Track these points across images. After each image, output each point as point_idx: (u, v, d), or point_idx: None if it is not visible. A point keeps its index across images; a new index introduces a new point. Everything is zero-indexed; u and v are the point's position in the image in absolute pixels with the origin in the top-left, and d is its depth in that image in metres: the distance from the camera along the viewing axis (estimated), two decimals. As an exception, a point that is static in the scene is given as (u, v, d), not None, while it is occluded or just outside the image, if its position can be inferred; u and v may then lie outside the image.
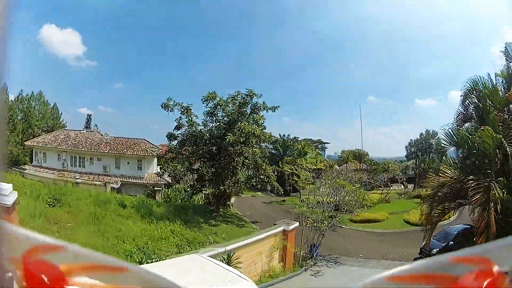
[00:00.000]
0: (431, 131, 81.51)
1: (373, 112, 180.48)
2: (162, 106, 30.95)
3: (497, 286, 0.92)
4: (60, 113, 48.66)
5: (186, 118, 31.81)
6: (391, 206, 40.39)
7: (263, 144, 33.63)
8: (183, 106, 31.34)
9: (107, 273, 1.02)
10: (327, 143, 75.26)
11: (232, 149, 29.75)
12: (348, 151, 70.15)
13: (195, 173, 33.03)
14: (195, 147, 31.35)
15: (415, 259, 20.06)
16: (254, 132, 29.19)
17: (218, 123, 31.60)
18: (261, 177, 32.33)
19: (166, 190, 37.90)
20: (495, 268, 0.94)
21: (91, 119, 54.11)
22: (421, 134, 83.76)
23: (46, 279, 0.92)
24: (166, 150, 35.00)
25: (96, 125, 49.33)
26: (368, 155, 71.77)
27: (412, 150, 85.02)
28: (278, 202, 47.15)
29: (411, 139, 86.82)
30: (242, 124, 29.19)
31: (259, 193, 59.00)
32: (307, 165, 56.93)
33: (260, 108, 30.78)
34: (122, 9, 75.76)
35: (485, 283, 0.90)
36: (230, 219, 30.81)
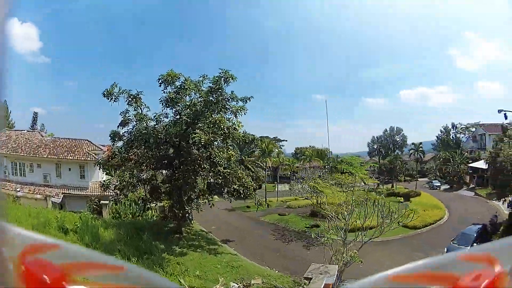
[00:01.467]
0: (395, 128, 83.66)
1: (319, 109, 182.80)
2: (104, 94, 23.99)
3: (500, 285, 0.91)
4: (9, 111, 41.91)
5: (134, 110, 24.98)
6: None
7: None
8: (131, 95, 24.54)
9: (105, 272, 1.00)
10: (284, 140, 71.18)
11: (197, 152, 23.82)
12: (310, 149, 66.86)
13: (147, 184, 26.70)
14: (146, 149, 24.79)
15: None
16: (236, 128, 23.91)
17: (178, 116, 24.82)
18: (235, 186, 25.93)
19: (114, 204, 31.19)
20: (499, 267, 0.92)
21: (37, 117, 49.64)
22: (385, 130, 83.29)
23: (46, 278, 0.91)
24: (109, 155, 27.71)
25: (43, 125, 42.96)
26: (331, 152, 69.16)
27: (375, 147, 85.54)
28: (242, 209, 41.71)
29: (373, 136, 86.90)
30: (218, 117, 23.31)
31: (215, 197, 55.61)
32: (272, 164, 52.39)
33: (231, 99, 24.61)
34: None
35: (488, 282, 0.89)
36: (197, 242, 25.10)
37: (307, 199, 41.97)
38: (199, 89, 23.99)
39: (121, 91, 24.08)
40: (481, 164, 48.16)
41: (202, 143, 22.11)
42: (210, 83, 23.59)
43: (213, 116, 23.31)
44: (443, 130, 75.27)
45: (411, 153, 67.83)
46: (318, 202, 33.63)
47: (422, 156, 65.63)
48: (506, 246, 1.01)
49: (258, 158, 53.19)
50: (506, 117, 37.84)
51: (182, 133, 23.92)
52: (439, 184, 58.24)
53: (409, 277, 0.99)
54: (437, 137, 75.76)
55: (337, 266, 14.84)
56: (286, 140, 75.40)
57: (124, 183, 25.32)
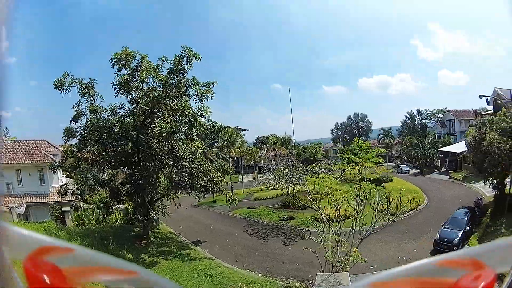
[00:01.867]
0: (359, 114, 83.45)
1: (279, 99, 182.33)
2: (55, 85, 20.53)
3: None
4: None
5: (87, 101, 21.64)
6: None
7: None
8: (83, 84, 21.18)
9: (116, 277, 0.97)
10: (245, 129, 69.42)
11: (158, 146, 20.65)
12: (274, 137, 65.55)
13: (106, 187, 23.75)
14: (101, 146, 21.83)
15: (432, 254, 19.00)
16: (202, 115, 21.16)
17: (134, 105, 21.79)
18: (202, 183, 23.35)
19: (75, 211, 28.39)
20: (487, 271, 0.91)
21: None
22: (349, 117, 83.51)
23: (49, 281, 0.89)
24: (62, 155, 24.31)
25: (6, 128, 38.86)
26: (295, 140, 68.19)
27: (339, 133, 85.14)
28: (208, 204, 39.80)
29: (336, 122, 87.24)
30: (181, 103, 20.43)
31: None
32: (236, 155, 50.39)
33: (193, 85, 21.59)
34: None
35: (479, 287, 0.88)
36: (167, 248, 22.56)
37: (273, 189, 40.63)
38: (158, 74, 20.97)
39: (73, 80, 20.85)
40: (453, 148, 50.03)
41: (164, 134, 19.22)
42: (170, 65, 20.76)
43: (175, 102, 20.54)
44: (408, 116, 76.30)
45: (380, 138, 67.96)
46: (294, 192, 32.09)
47: (392, 141, 65.74)
48: (494, 249, 0.96)
49: (221, 149, 51.19)
50: (488, 103, 39.73)
51: (140, 124, 21.16)
52: (407, 168, 58.72)
53: (393, 283, 0.92)
54: (402, 122, 76.54)
55: (344, 271, 13.17)
56: (248, 130, 73.18)
57: (81, 186, 22.44)
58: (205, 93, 21.21)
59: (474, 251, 0.96)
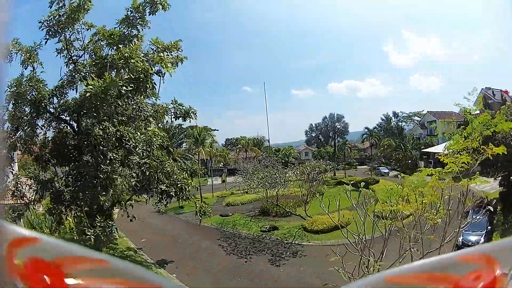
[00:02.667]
0: (335, 114, 79.60)
1: (248, 101, 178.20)
2: None
3: (499, 286, 0.93)
4: None
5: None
6: (326, 201, 31.18)
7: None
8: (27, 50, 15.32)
9: (89, 266, 0.98)
10: (215, 130, 64.33)
11: (101, 131, 14.21)
12: (246, 138, 60.92)
13: (46, 188, 17.32)
14: (29, 128, 16.05)
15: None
16: (160, 72, 15.62)
17: (72, 65, 16.25)
18: (163, 187, 17.81)
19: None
20: (498, 268, 0.92)
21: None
22: (324, 117, 79.56)
23: (49, 281, 0.93)
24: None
25: None
26: (269, 141, 63.92)
27: (314, 135, 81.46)
28: (174, 210, 34.52)
29: (311, 124, 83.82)
30: (130, 48, 14.27)
31: (144, 195, 47.62)
32: (206, 156, 45.36)
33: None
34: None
35: (487, 283, 0.91)
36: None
37: (247, 193, 36.11)
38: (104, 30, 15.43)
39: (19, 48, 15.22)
40: (439, 149, 46.73)
41: (88, 96, 13.01)
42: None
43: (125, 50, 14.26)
44: (384, 118, 74.29)
45: (364, 139, 64.79)
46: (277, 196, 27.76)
47: (378, 141, 62.39)
48: (505, 246, 0.97)
49: (188, 149, 46.12)
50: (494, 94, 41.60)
51: (82, 99, 14.45)
52: (387, 170, 55.85)
53: (405, 278, 0.94)
54: (377, 125, 74.12)
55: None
56: (218, 130, 68.37)
57: (19, 187, 17.24)
58: (170, 47, 15.83)
59: (488, 248, 0.97)
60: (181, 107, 17.86)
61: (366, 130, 65.41)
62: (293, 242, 22.11)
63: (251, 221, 27.81)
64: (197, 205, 20.23)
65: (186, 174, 20.07)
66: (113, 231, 20.62)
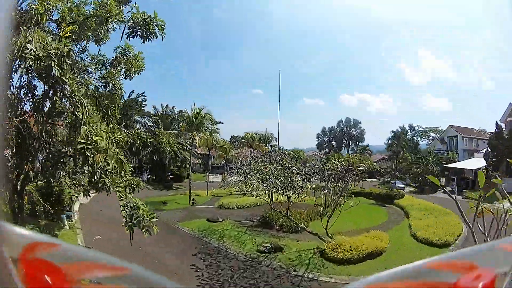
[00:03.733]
0: (352, 119, 71.83)
1: (257, 104, 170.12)
2: None
3: (499, 286, 0.89)
4: None
5: None
6: (349, 215, 21.71)
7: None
8: None
9: (108, 273, 0.93)
10: (220, 122, 55.60)
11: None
12: (252, 133, 52.27)
13: None
14: None
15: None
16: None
17: None
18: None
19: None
20: (484, 273, 0.88)
21: None
22: (340, 121, 72.65)
23: (47, 279, 0.89)
24: None
25: None
26: (277, 139, 55.33)
27: (326, 139, 73.14)
28: (155, 205, 27.16)
29: (324, 127, 75.00)
30: None
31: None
32: (201, 144, 36.68)
33: None
34: None
35: (487, 283, 0.86)
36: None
37: (245, 195, 27.72)
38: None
39: None
40: (465, 165, 44.07)
41: None
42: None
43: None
44: (399, 130, 66.47)
45: (389, 144, 56.89)
46: (289, 203, 19.19)
47: (394, 154, 54.26)
48: (484, 251, 0.95)
49: (181, 133, 37.62)
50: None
51: None
52: (402, 185, 47.29)
53: (386, 286, 0.89)
54: (391, 137, 65.96)
55: None
56: (222, 123, 59.77)
57: None
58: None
59: (466, 253, 0.93)
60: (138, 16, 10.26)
61: (389, 140, 57.62)
62: (305, 275, 13.79)
63: (246, 234, 19.53)
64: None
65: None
66: (63, 220, 17.88)
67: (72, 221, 19.16)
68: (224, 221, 22.08)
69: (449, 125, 59.56)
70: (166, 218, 23.87)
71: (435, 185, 44.38)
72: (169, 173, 51.60)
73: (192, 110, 34.63)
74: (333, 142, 70.15)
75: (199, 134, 34.17)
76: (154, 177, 50.71)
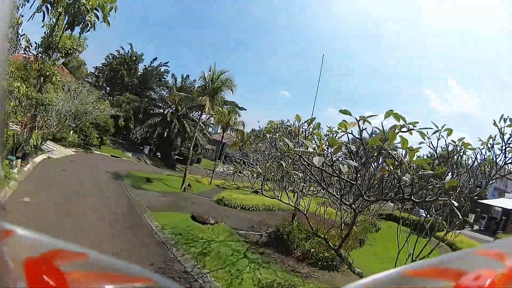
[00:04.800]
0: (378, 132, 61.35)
1: (284, 106, 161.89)
2: None
3: (500, 286, 0.77)
4: None
5: None
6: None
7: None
8: None
9: (127, 284, 0.83)
10: (243, 109, 46.93)
11: None
12: (277, 122, 43.29)
13: None
14: None
15: None
16: None
17: None
18: None
19: None
20: (509, 264, 0.78)
21: None
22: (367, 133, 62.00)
23: (52, 283, 0.78)
24: None
25: None
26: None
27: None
28: (137, 180, 21.99)
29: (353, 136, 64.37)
30: None
31: (128, 154, 38.13)
32: (215, 114, 28.28)
33: None
34: None
35: (487, 283, 0.76)
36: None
37: (257, 193, 19.52)
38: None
39: None
40: (499, 203, 38.04)
41: None
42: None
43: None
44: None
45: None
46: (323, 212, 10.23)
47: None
48: (471, 256, 0.89)
49: (189, 99, 29.26)
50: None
51: None
52: (424, 215, 36.84)
53: (422, 272, 0.85)
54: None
55: None
56: (246, 109, 50.81)
57: None
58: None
59: (501, 244, 0.88)
60: None
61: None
62: None
63: (245, 257, 10.95)
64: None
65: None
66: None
67: (14, 169, 14.01)
68: (217, 224, 13.52)
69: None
70: (138, 200, 15.75)
71: (464, 221, 36.05)
72: (177, 153, 45.14)
73: (210, 71, 25.93)
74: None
75: (213, 103, 25.50)
76: (158, 153, 44.12)
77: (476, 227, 37.07)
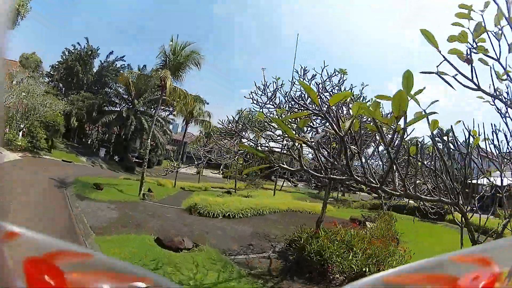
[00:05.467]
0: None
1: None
2: None
3: (498, 286, 0.77)
4: None
5: None
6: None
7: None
8: None
9: (124, 283, 0.76)
10: (206, 103, 41.53)
11: None
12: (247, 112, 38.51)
13: None
14: None
15: None
16: None
17: None
18: None
19: None
20: (496, 268, 0.77)
21: None
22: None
23: (52, 283, 0.73)
24: None
25: None
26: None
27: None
28: (86, 188, 16.58)
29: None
30: None
31: (83, 158, 34.13)
32: (177, 101, 22.92)
33: None
34: None
35: (485, 283, 0.76)
36: None
37: (247, 197, 17.94)
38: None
39: None
40: (486, 181, 30.96)
41: None
42: None
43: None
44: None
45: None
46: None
47: None
48: (504, 246, 0.86)
49: (152, 74, 23.43)
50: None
51: None
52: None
53: (405, 278, 0.81)
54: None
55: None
56: (208, 103, 44.87)
57: None
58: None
59: (484, 248, 0.85)
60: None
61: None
62: None
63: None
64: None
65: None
66: None
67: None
68: (198, 249, 8.51)
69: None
70: (81, 216, 11.06)
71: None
72: (137, 155, 40.84)
73: (171, 42, 20.21)
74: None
75: (175, 83, 20.03)
76: (116, 156, 39.52)
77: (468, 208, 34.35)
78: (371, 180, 2.54)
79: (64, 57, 43.87)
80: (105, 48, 68.12)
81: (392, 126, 1.88)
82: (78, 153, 35.06)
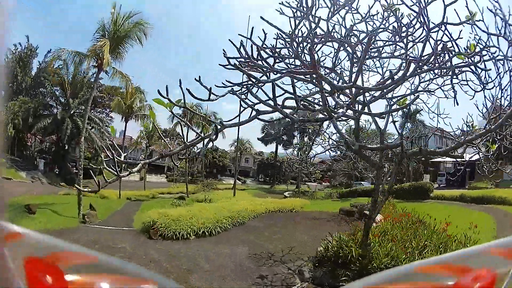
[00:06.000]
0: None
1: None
2: None
3: (498, 286, 0.80)
4: None
5: None
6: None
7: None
8: None
9: (82, 262, 0.83)
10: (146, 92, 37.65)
11: None
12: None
13: None
14: None
15: None
16: None
17: None
18: None
19: None
20: (480, 275, 0.80)
21: None
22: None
23: (52, 284, 0.78)
24: None
25: None
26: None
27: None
28: (17, 211, 12.62)
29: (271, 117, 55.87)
30: None
31: (22, 173, 30.25)
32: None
33: None
34: None
35: (486, 283, 0.78)
36: None
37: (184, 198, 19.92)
38: None
39: None
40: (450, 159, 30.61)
41: None
42: None
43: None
44: None
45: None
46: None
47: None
48: (478, 253, 0.86)
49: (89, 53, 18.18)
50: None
51: None
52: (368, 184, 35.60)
53: (434, 268, 0.85)
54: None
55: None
56: (148, 92, 40.30)
57: None
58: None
59: (459, 256, 0.88)
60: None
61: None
62: None
63: None
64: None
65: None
66: None
67: None
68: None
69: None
70: None
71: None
72: (75, 165, 35.25)
73: (113, 9, 16.11)
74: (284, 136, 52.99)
75: (114, 63, 16.11)
76: (55, 167, 35.63)
77: (435, 185, 34.15)
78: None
79: (5, 58, 36.73)
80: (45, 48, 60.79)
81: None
82: (17, 168, 30.99)
